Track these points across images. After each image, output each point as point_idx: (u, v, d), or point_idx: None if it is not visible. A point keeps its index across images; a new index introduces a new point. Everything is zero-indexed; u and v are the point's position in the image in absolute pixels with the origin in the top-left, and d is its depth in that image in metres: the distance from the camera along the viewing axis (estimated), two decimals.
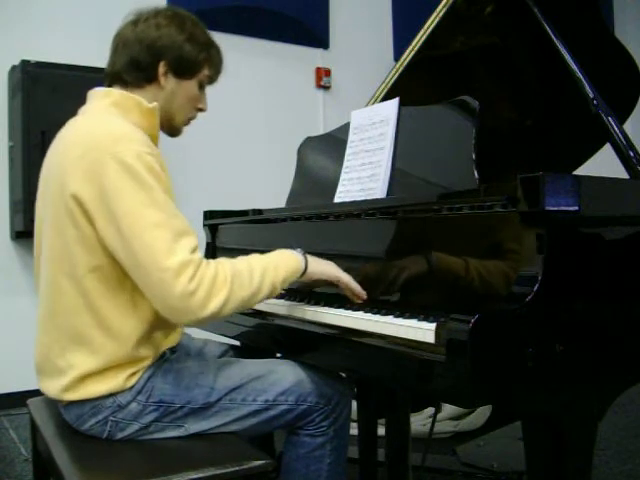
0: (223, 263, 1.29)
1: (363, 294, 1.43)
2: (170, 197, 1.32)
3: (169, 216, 1.26)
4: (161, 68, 1.42)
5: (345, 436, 1.48)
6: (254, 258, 1.37)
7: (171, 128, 1.52)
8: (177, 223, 1.27)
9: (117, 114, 1.38)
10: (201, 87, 1.51)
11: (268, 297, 1.36)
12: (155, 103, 1.43)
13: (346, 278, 1.44)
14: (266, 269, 1.34)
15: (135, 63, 1.42)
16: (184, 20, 1.46)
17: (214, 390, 1.39)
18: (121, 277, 1.30)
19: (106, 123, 1.36)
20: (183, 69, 1.45)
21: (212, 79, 1.52)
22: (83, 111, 1.45)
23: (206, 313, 1.24)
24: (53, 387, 1.38)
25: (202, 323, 1.32)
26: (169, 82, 1.45)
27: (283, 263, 1.38)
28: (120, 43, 1.44)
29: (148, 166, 1.27)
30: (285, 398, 1.41)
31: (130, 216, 1.24)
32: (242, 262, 1.33)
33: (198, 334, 1.80)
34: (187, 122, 1.54)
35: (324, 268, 1.45)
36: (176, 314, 1.25)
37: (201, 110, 1.54)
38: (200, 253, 1.28)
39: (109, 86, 1.46)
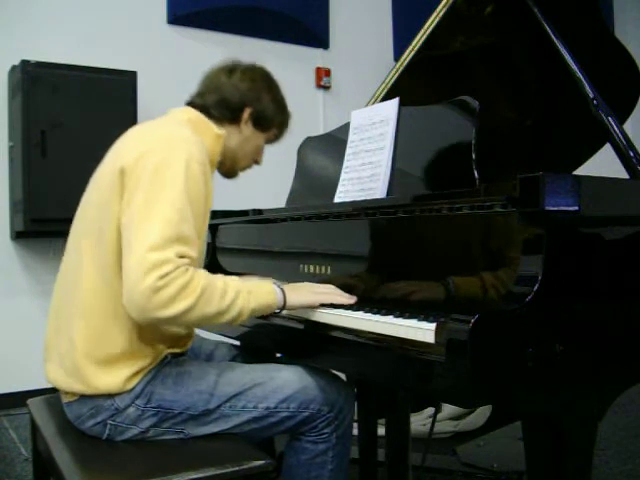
0: (201, 275, 1.28)
1: (352, 300, 1.44)
2: (201, 209, 1.35)
3: (181, 220, 1.27)
4: (245, 114, 1.56)
5: (347, 442, 1.48)
6: (232, 280, 1.35)
7: (231, 169, 1.64)
8: (185, 229, 1.27)
9: (189, 129, 1.44)
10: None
11: (232, 322, 1.34)
12: (224, 130, 1.54)
13: (329, 299, 1.44)
14: (239, 294, 1.32)
15: (225, 102, 1.55)
16: (272, 82, 1.64)
17: (214, 396, 1.39)
18: None
19: (174, 127, 1.44)
20: (261, 122, 1.60)
21: (275, 139, 1.67)
22: (157, 119, 1.52)
23: (164, 314, 1.22)
24: (54, 371, 1.40)
25: (159, 324, 1.33)
26: (247, 128, 1.58)
27: (258, 294, 1.37)
28: (213, 85, 1.58)
29: (191, 170, 1.32)
30: (287, 405, 1.40)
31: (148, 201, 1.27)
32: (219, 280, 1.32)
33: (209, 336, 1.80)
34: (244, 169, 1.67)
35: (303, 299, 1.44)
36: (135, 307, 1.23)
37: (256, 163, 1.68)
38: (187, 260, 1.26)
39: None
